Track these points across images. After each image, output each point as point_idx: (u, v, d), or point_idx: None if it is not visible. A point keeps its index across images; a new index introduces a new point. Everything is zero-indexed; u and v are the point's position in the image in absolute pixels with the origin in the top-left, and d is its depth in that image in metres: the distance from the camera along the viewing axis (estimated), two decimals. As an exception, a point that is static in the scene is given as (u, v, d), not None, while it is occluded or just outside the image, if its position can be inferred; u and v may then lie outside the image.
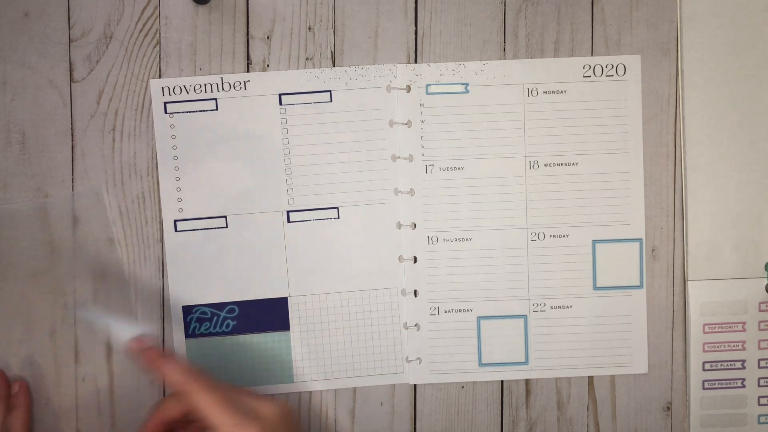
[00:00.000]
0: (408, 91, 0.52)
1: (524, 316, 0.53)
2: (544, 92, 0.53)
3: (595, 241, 0.53)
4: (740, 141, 0.53)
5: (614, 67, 0.53)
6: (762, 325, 0.53)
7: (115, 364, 0.53)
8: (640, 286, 0.53)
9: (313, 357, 0.53)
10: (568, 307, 0.53)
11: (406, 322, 0.53)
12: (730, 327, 0.53)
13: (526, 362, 0.54)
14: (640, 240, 0.53)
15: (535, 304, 0.53)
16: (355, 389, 0.54)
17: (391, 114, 0.52)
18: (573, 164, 0.53)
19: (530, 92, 0.53)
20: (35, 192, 0.52)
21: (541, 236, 0.53)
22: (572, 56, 0.53)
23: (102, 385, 0.53)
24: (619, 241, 0.53)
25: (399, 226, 0.53)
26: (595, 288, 0.53)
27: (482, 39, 0.53)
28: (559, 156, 0.53)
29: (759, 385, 0.53)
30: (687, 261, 0.53)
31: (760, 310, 0.53)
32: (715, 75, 0.53)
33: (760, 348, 0.53)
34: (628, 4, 0.53)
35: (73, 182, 0.52)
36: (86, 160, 0.52)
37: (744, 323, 0.53)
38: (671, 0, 0.53)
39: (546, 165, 0.53)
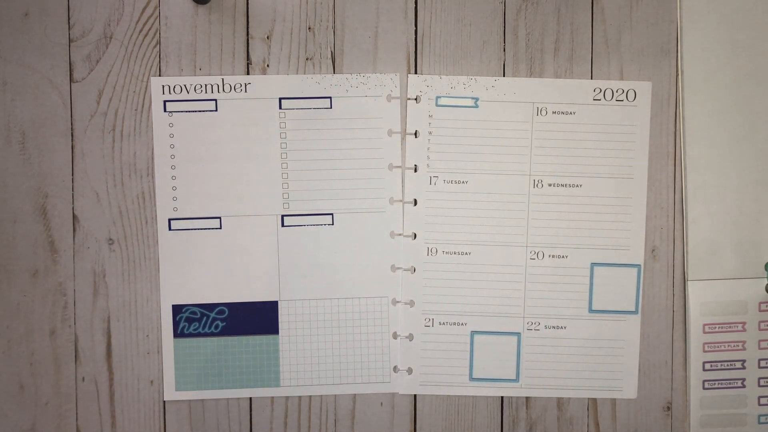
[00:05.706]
0: (417, 102, 0.52)
1: (518, 334, 0.53)
2: (553, 112, 0.52)
3: (593, 264, 0.53)
4: (740, 141, 0.53)
5: (624, 92, 0.53)
6: (762, 325, 0.53)
7: (115, 364, 0.53)
8: (635, 312, 0.53)
9: (301, 362, 0.53)
10: (562, 327, 0.53)
11: (395, 332, 0.53)
12: (730, 327, 0.53)
13: (516, 380, 0.53)
14: (638, 266, 0.53)
15: (530, 323, 0.53)
16: (355, 389, 0.54)
17: (390, 123, 0.52)
18: (577, 186, 0.53)
19: (539, 111, 0.52)
20: (35, 192, 0.52)
21: (540, 255, 0.53)
22: (572, 57, 0.53)
23: (102, 385, 0.53)
24: (618, 265, 0.53)
25: (392, 235, 0.53)
26: (590, 311, 0.53)
27: (482, 39, 0.53)
28: (564, 177, 0.53)
29: (759, 385, 0.53)
30: (687, 261, 0.53)
31: (760, 310, 0.53)
32: (715, 75, 0.53)
33: (760, 348, 0.53)
34: (628, 4, 0.53)
35: (73, 182, 0.52)
36: (86, 160, 0.52)
37: (744, 323, 0.53)
38: (671, 0, 0.53)
39: (550, 185, 0.53)
